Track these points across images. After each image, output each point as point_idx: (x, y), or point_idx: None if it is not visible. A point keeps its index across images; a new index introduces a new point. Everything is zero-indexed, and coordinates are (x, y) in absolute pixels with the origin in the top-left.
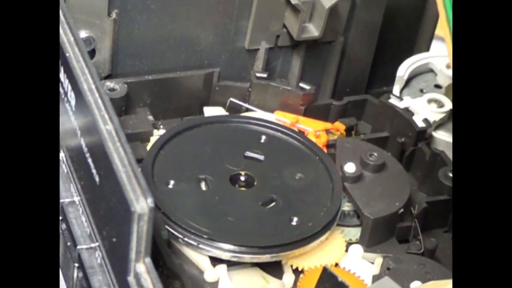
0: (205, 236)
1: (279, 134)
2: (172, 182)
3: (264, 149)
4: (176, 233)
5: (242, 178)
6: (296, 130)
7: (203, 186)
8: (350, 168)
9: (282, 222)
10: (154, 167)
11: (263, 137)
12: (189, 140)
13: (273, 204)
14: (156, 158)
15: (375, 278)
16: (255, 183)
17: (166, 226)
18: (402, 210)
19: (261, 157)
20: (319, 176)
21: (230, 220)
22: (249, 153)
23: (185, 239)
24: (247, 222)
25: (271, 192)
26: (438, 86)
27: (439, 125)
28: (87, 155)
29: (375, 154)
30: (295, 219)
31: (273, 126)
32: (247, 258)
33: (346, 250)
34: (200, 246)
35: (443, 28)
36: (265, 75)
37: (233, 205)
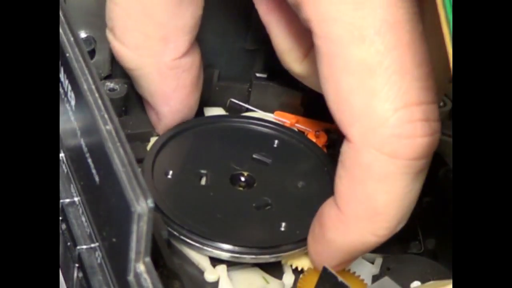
0: (186, 227)
1: (294, 141)
2: (171, 172)
3: (275, 153)
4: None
5: (242, 178)
6: (311, 140)
7: (203, 181)
8: None
9: (270, 226)
10: (158, 156)
11: (276, 142)
12: (201, 135)
13: (266, 208)
14: (163, 148)
15: (375, 278)
16: (255, 185)
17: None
18: None
19: (269, 161)
20: (322, 188)
21: (218, 217)
22: (257, 156)
23: (168, 228)
24: (235, 221)
25: (267, 196)
26: None
27: None
28: (87, 155)
29: None
30: (283, 224)
31: (289, 132)
32: (224, 255)
33: None
34: (182, 237)
35: (443, 28)
36: (265, 75)
37: (226, 203)
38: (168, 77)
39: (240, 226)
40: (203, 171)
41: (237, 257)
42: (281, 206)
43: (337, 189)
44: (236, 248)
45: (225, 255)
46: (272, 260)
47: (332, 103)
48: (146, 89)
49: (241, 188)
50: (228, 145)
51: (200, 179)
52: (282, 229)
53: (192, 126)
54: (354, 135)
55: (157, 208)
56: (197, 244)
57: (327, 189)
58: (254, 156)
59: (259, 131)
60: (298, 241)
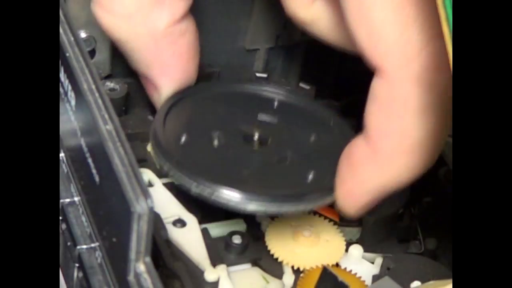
0: (223, 187)
1: (292, 100)
2: (183, 138)
3: (277, 113)
4: (192, 184)
5: (256, 138)
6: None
7: (217, 144)
8: None
9: (298, 178)
10: (165, 125)
11: (276, 103)
12: (201, 102)
13: (288, 161)
14: (168, 114)
15: (375, 278)
16: (269, 142)
17: (183, 180)
18: (402, 210)
19: (274, 120)
20: (334, 139)
21: (245, 175)
22: (262, 116)
23: (201, 186)
24: (264, 177)
25: (285, 151)
26: None
27: None
28: (87, 155)
29: None
30: (310, 175)
31: (286, 93)
32: (264, 209)
33: (346, 250)
34: (219, 199)
35: (443, 28)
36: (265, 75)
37: (248, 162)
38: (164, 44)
39: (270, 181)
40: (215, 135)
41: (277, 211)
42: (301, 159)
43: (370, 127)
44: (276, 199)
45: (265, 209)
46: (309, 209)
47: (364, 38)
48: (142, 61)
49: (256, 147)
50: (231, 109)
51: (214, 142)
52: (310, 179)
53: (189, 94)
54: (389, 68)
55: (188, 172)
56: (234, 201)
57: (339, 140)
58: (259, 117)
59: (257, 94)
60: (330, 188)
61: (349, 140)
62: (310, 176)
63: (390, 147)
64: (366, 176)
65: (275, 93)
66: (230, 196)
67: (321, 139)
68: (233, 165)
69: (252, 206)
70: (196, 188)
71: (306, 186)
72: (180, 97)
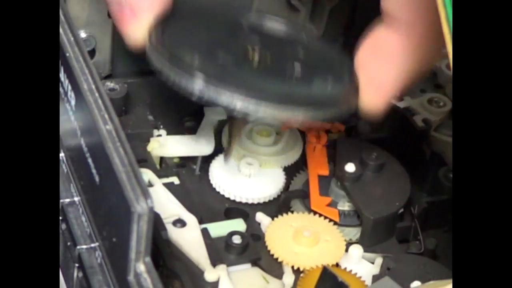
0: (260, 98)
1: (260, 22)
2: (196, 59)
3: (255, 35)
4: (236, 101)
5: (256, 57)
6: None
7: (226, 62)
8: (350, 168)
9: (320, 87)
10: (166, 45)
11: (245, 25)
12: (186, 27)
13: (298, 75)
14: (163, 37)
15: (375, 278)
16: (268, 61)
17: (224, 96)
18: (402, 210)
19: (258, 46)
20: (322, 53)
21: (270, 85)
22: (245, 42)
23: (246, 101)
24: (287, 89)
25: (291, 66)
26: (438, 86)
27: (439, 125)
28: (87, 155)
29: (375, 154)
30: (329, 86)
31: (256, 17)
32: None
33: (346, 250)
34: (261, 109)
35: (443, 28)
36: None
37: (267, 78)
38: None
39: (297, 93)
40: (221, 54)
41: (316, 116)
42: (309, 71)
43: (400, 13)
44: (310, 107)
45: (311, 115)
46: (340, 113)
47: None
48: None
49: (261, 64)
50: (216, 33)
51: (224, 61)
52: (329, 89)
53: (170, 20)
54: None
55: (230, 89)
56: (277, 113)
57: (330, 54)
58: (244, 39)
59: (229, 18)
60: (351, 94)
61: (338, 53)
62: (329, 87)
63: (424, 28)
64: (401, 63)
65: (244, 17)
66: (274, 109)
67: (311, 54)
68: (256, 81)
69: (300, 116)
70: (241, 104)
71: (331, 94)
72: (163, 20)
